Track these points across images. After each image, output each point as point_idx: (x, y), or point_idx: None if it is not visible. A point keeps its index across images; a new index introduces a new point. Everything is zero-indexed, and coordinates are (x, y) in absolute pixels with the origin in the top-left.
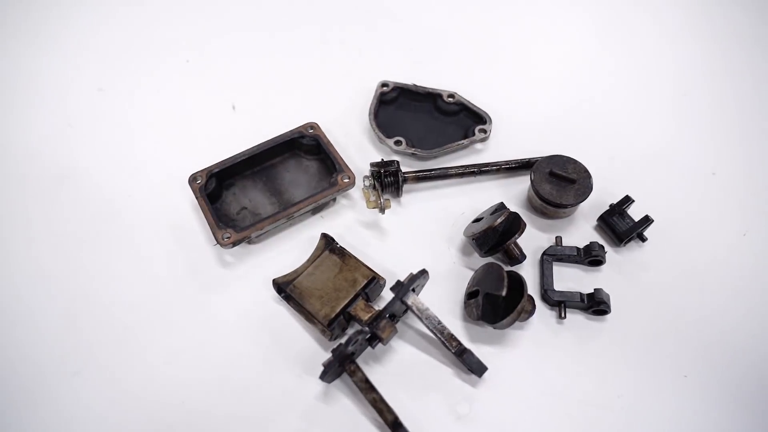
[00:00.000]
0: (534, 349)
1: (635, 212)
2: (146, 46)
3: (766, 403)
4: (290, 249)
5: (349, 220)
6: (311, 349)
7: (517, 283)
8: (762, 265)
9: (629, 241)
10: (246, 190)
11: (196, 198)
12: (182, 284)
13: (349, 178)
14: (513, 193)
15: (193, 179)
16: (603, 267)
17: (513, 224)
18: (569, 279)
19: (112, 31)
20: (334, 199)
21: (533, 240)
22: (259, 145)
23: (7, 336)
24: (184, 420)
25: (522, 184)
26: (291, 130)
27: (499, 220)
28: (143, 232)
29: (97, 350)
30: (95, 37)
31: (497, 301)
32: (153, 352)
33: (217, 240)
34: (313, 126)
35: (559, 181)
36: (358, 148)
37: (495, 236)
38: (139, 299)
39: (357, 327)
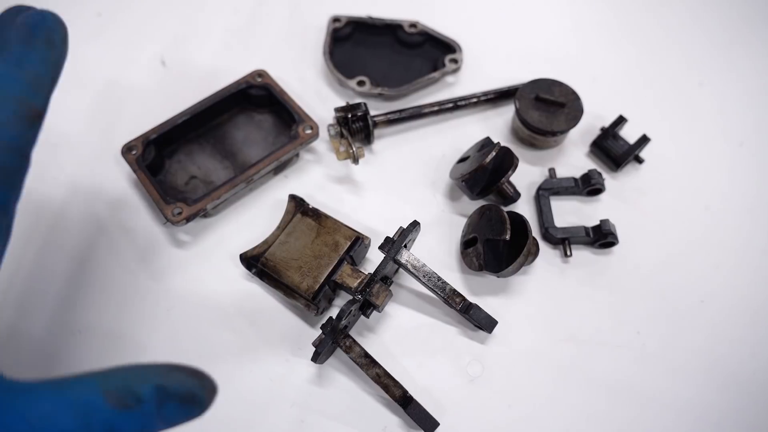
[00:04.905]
0: (542, 294)
1: (624, 133)
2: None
3: None
4: (254, 217)
5: (317, 177)
6: (296, 328)
7: (518, 224)
8: (763, 172)
9: (626, 164)
10: (192, 156)
11: (134, 171)
12: (133, 273)
13: (311, 129)
14: (495, 126)
15: (127, 150)
16: (601, 196)
17: (504, 160)
18: (568, 213)
19: None
20: (297, 155)
21: (523, 175)
22: (200, 102)
23: None
24: None
25: (503, 115)
26: (236, 81)
27: (489, 157)
28: (76, 218)
29: (47, 363)
30: None
31: (499, 246)
32: (110, 357)
33: (166, 217)
34: (261, 74)
35: (546, 107)
36: (316, 94)
37: (486, 175)
38: (84, 297)
39: (345, 296)
